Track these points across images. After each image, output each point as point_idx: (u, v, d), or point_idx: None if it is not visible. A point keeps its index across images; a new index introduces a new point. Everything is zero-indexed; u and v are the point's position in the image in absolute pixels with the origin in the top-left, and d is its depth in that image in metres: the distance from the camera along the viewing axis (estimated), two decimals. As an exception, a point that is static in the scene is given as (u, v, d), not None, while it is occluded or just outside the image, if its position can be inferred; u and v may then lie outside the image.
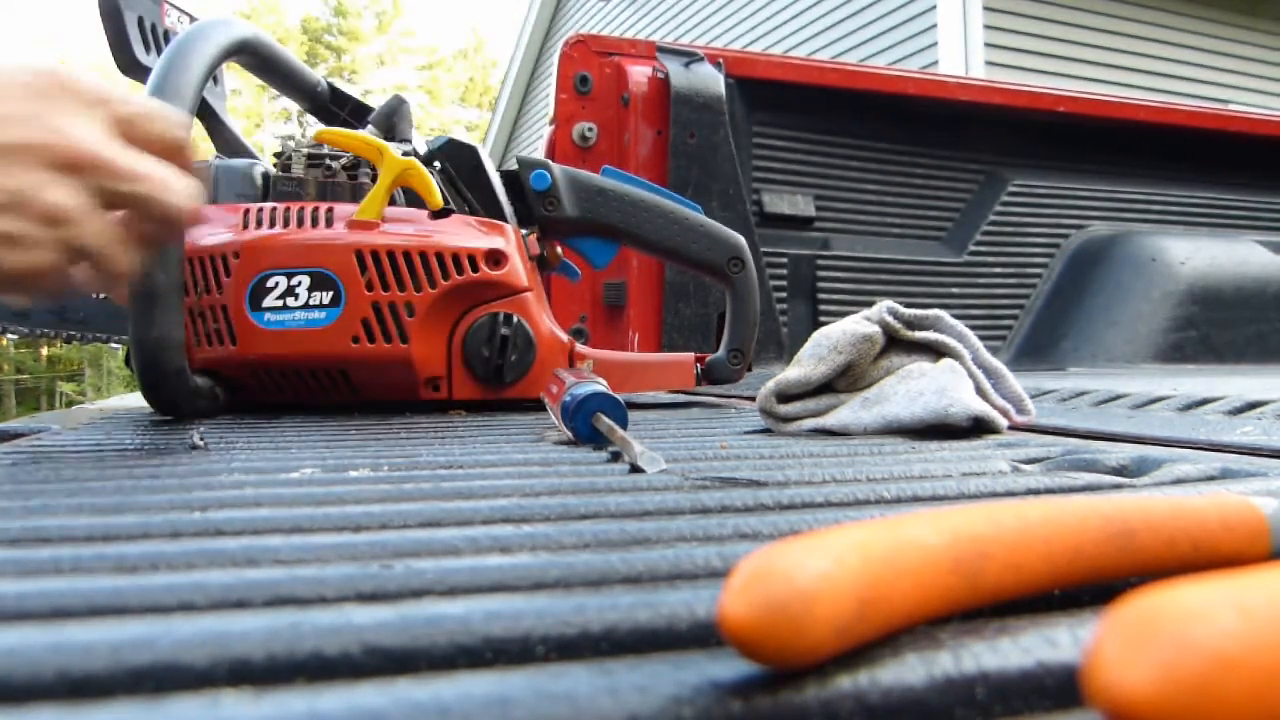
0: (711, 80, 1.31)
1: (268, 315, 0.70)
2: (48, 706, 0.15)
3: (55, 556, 0.24)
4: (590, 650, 0.18)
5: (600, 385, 0.51)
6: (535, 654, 0.18)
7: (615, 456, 0.44)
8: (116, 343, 1.09)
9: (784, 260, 1.42)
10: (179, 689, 0.16)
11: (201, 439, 0.50)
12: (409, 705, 0.14)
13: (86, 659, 0.16)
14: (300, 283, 0.70)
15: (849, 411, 0.54)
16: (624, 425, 0.48)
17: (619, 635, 0.18)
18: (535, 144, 8.26)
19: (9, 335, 1.09)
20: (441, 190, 0.75)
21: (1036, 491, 0.35)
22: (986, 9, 4.32)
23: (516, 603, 0.19)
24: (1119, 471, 0.41)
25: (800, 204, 1.46)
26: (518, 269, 0.74)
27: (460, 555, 0.25)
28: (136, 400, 1.11)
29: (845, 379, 0.57)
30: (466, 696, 0.15)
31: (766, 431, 0.56)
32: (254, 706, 0.15)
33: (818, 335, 0.57)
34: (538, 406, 0.72)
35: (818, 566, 0.15)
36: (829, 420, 0.55)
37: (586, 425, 0.49)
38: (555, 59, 1.35)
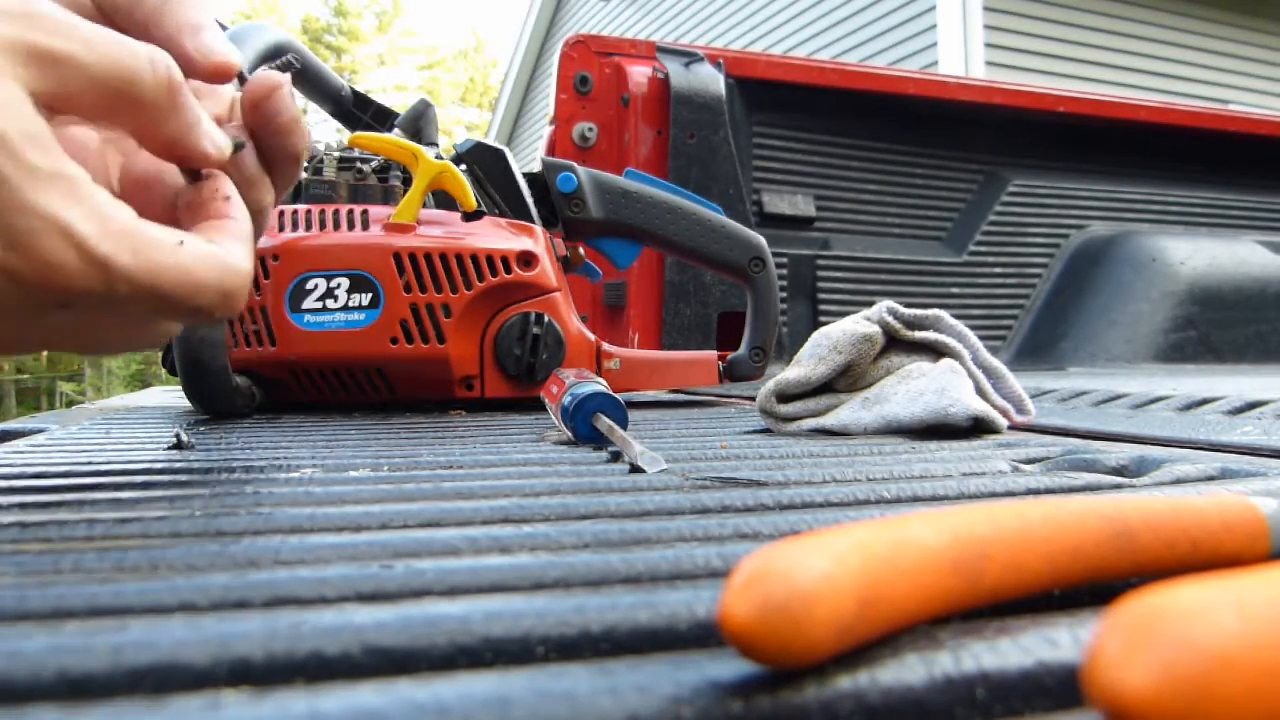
0: (711, 80, 1.31)
1: (307, 317, 0.71)
2: (48, 706, 0.15)
3: (55, 557, 0.24)
4: (590, 650, 0.18)
5: (600, 385, 0.51)
6: (535, 654, 0.18)
7: (615, 456, 0.44)
8: None
9: (784, 260, 1.42)
10: (179, 689, 0.16)
11: (188, 436, 0.50)
12: (409, 705, 0.14)
13: (86, 659, 0.16)
14: (340, 285, 0.71)
15: (849, 411, 0.54)
16: (624, 425, 0.48)
17: (619, 635, 0.18)
18: (535, 144, 8.27)
19: None
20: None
21: (1036, 491, 0.35)
22: (986, 9, 4.32)
23: (516, 603, 0.19)
24: (1119, 471, 0.41)
25: (800, 204, 1.46)
26: (548, 270, 0.76)
27: (460, 555, 0.25)
28: (136, 400, 1.11)
29: (845, 379, 0.57)
30: (466, 696, 0.15)
31: (766, 431, 0.56)
32: (254, 706, 0.15)
33: (817, 335, 0.57)
34: (541, 406, 0.73)
35: (818, 566, 0.15)
36: (829, 420, 0.55)
37: (586, 425, 0.49)
38: (555, 59, 1.35)
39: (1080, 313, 1.56)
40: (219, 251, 0.30)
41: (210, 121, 0.31)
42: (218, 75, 0.32)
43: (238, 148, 0.33)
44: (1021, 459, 0.42)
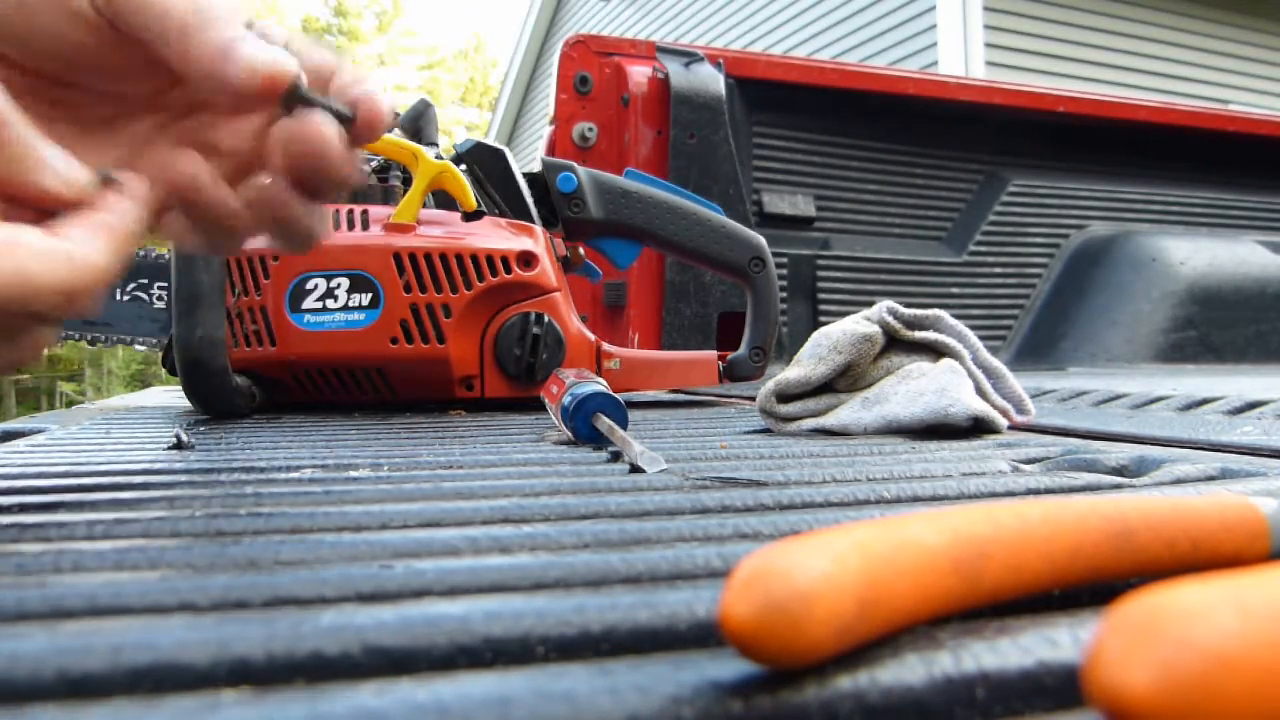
0: (711, 80, 1.31)
1: (307, 317, 0.71)
2: (48, 706, 0.15)
3: (56, 554, 0.24)
4: (590, 650, 0.18)
5: (600, 385, 0.51)
6: (535, 654, 0.18)
7: (615, 456, 0.44)
8: (141, 344, 1.09)
9: (784, 260, 1.42)
10: (179, 689, 0.16)
11: (188, 436, 0.50)
12: (409, 705, 0.14)
13: (86, 659, 0.16)
14: (340, 285, 0.71)
15: (849, 411, 0.54)
16: (624, 425, 0.48)
17: (619, 635, 0.18)
18: (535, 144, 8.26)
19: None
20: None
21: (1036, 491, 0.35)
22: (986, 9, 4.32)
23: (516, 603, 0.19)
24: (1119, 471, 0.41)
25: (800, 204, 1.46)
26: (548, 270, 0.76)
27: (460, 555, 0.25)
28: (136, 400, 1.11)
29: (845, 379, 0.57)
30: (466, 696, 0.15)
31: (766, 431, 0.56)
32: (254, 706, 0.15)
33: (817, 335, 0.57)
34: (541, 406, 0.73)
35: (818, 566, 0.15)
36: (829, 420, 0.55)
37: (586, 425, 0.49)
38: (555, 59, 1.35)
39: (1080, 313, 1.56)
40: (66, 247, 0.27)
41: (58, 153, 0.28)
42: (268, 92, 0.30)
43: (105, 180, 0.29)
44: (1021, 459, 0.42)
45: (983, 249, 1.57)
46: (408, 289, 0.72)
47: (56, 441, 0.53)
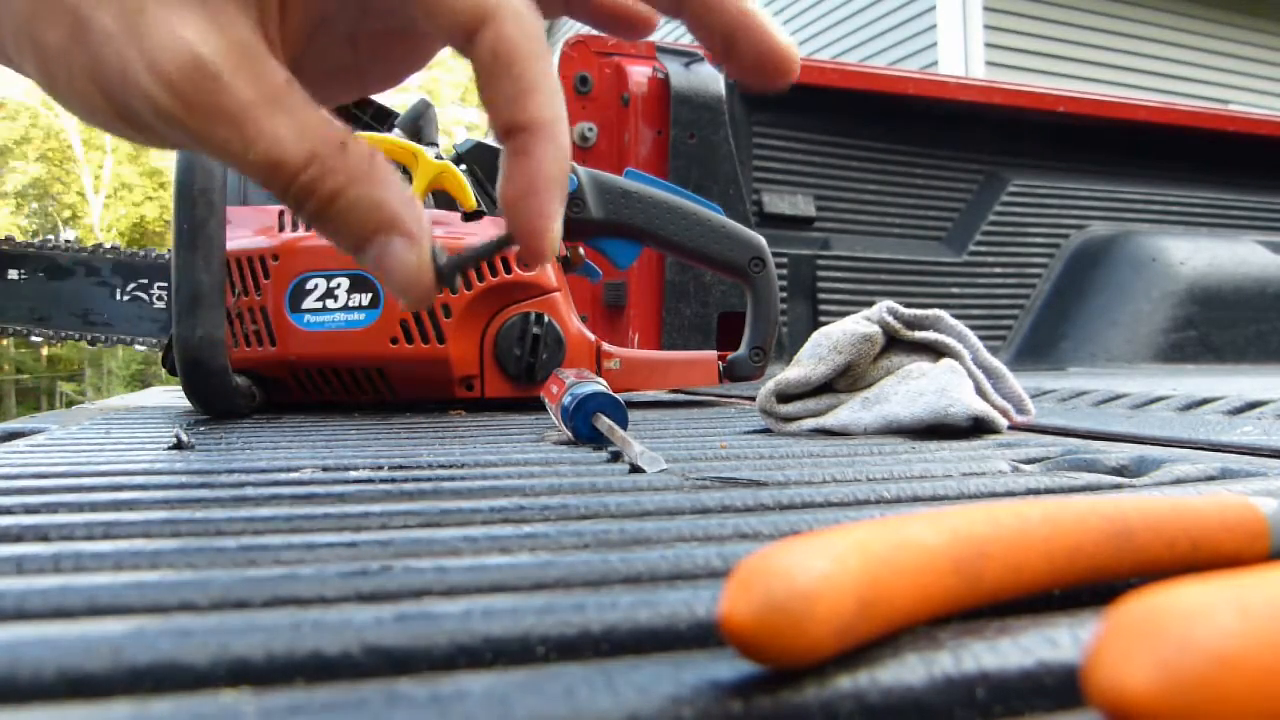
0: (711, 80, 1.31)
1: (307, 317, 0.71)
2: (48, 706, 0.15)
3: (56, 554, 0.24)
4: (590, 650, 0.18)
5: (600, 385, 0.51)
6: (535, 654, 0.18)
7: (615, 456, 0.43)
8: (141, 344, 1.09)
9: (784, 260, 1.42)
10: (179, 689, 0.16)
11: (188, 436, 0.50)
12: (409, 705, 0.14)
13: (86, 658, 0.16)
14: (340, 284, 0.72)
15: (849, 411, 0.54)
16: (624, 425, 0.48)
17: (619, 635, 0.18)
18: (535, 144, 8.24)
19: (33, 337, 1.09)
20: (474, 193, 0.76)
21: (1036, 491, 0.35)
22: (986, 9, 4.32)
23: (516, 602, 0.19)
24: (1119, 471, 0.41)
25: (800, 204, 1.46)
26: (548, 270, 0.76)
27: (460, 555, 0.25)
28: (136, 400, 1.11)
29: (845, 379, 0.57)
30: (466, 696, 0.15)
31: (766, 431, 0.56)
32: (254, 706, 0.15)
33: (817, 335, 0.57)
34: (541, 406, 0.73)
35: (818, 566, 0.15)
36: (829, 420, 0.55)
37: (586, 425, 0.49)
38: (555, 59, 1.34)
39: (1080, 313, 1.56)
40: None
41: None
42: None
43: None
44: (1021, 459, 0.42)
45: (983, 249, 1.57)
46: None
47: (56, 441, 0.53)
